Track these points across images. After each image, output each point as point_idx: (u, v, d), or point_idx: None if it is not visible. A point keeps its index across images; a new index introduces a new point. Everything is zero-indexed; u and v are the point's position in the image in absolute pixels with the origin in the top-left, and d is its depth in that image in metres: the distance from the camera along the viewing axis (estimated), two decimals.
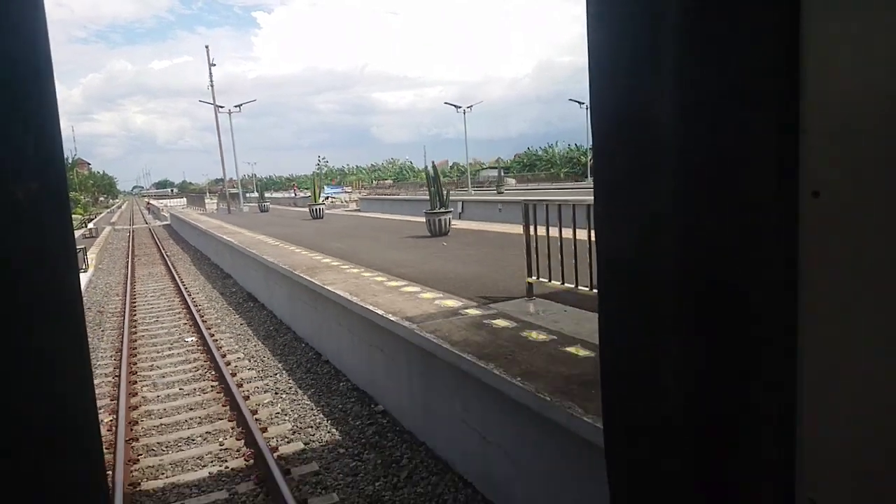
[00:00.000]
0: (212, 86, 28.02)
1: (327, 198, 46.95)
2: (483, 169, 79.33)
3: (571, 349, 3.95)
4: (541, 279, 5.38)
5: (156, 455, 5.06)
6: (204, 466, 4.80)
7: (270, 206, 29.41)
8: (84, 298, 10.88)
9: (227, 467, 4.75)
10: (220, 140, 27.96)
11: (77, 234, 25.57)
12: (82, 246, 18.11)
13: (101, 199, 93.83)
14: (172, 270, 15.93)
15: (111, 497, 3.92)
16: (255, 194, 34.77)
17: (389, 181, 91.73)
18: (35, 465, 1.11)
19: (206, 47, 27.31)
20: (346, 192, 61.83)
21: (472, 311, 5.17)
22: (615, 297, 1.28)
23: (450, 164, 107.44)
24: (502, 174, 61.32)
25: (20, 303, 1.06)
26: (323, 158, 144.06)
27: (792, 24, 0.94)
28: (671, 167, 1.06)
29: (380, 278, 7.11)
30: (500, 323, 4.71)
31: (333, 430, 5.29)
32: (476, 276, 6.95)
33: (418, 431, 4.99)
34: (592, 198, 1.53)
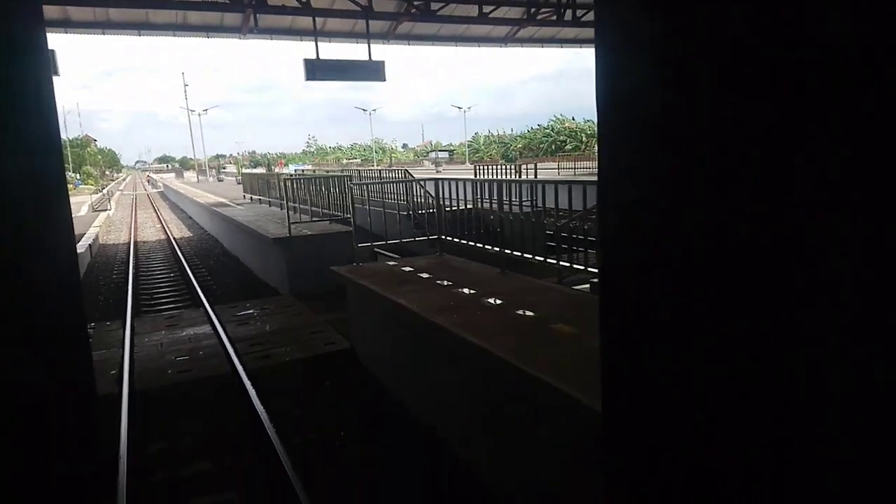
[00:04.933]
0: (186, 100, 41.68)
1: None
2: (432, 151, 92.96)
3: (230, 206, 17.94)
4: (252, 195, 19.33)
5: (143, 237, 19.14)
6: (155, 237, 18.89)
7: (225, 177, 43.39)
8: (112, 217, 25.79)
9: (162, 243, 18.82)
10: (191, 134, 41.74)
11: (97, 196, 39.29)
12: (108, 195, 32.26)
13: (107, 172, 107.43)
14: (156, 210, 30.06)
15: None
16: (232, 168, 48.59)
17: (358, 160, 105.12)
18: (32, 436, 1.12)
19: (182, 73, 40.89)
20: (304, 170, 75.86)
21: (224, 202, 19.21)
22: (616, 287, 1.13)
23: (432, 143, 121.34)
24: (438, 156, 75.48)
25: (21, 281, 1.07)
26: (312, 137, 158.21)
27: None
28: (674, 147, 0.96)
29: (206, 195, 21.21)
30: (227, 203, 18.78)
31: (188, 233, 19.46)
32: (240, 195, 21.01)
33: (207, 229, 19.09)
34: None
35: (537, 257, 5.33)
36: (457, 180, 7.47)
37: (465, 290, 5.10)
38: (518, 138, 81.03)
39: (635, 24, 1.03)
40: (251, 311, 8.40)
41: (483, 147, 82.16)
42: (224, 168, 75.95)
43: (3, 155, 1.00)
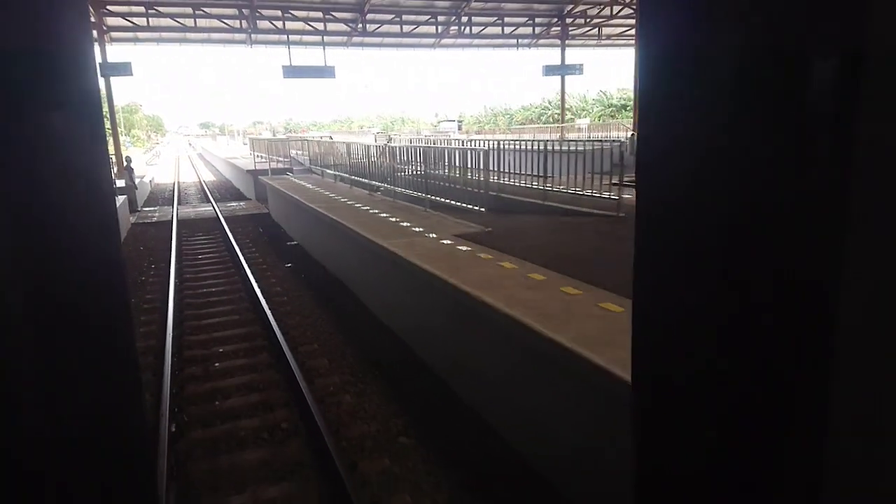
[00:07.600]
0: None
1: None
2: (441, 122, 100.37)
3: (238, 159, 26.68)
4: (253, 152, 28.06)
5: (184, 183, 28.16)
6: (190, 178, 27.91)
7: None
8: (159, 169, 35.53)
9: (195, 182, 27.79)
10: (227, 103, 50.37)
11: (148, 154, 48.78)
12: (156, 154, 41.76)
13: (152, 136, 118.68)
14: (193, 166, 39.35)
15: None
16: (267, 134, 57.58)
17: (378, 129, 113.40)
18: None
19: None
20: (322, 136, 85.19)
21: (236, 157, 27.99)
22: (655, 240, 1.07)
23: (445, 115, 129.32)
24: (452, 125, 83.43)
25: (56, 240, 1.03)
26: (341, 110, 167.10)
27: None
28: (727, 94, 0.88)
29: (227, 153, 30.08)
30: (237, 157, 27.57)
31: (212, 177, 28.44)
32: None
33: (223, 173, 27.95)
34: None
35: (371, 181, 13.62)
36: (361, 143, 15.38)
37: (310, 186, 13.53)
38: (522, 111, 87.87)
39: None
40: (234, 204, 17.10)
41: (486, 119, 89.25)
42: (259, 134, 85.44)
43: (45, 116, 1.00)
